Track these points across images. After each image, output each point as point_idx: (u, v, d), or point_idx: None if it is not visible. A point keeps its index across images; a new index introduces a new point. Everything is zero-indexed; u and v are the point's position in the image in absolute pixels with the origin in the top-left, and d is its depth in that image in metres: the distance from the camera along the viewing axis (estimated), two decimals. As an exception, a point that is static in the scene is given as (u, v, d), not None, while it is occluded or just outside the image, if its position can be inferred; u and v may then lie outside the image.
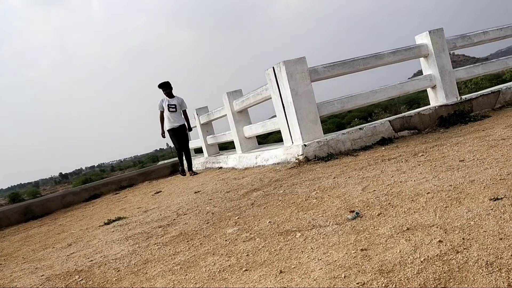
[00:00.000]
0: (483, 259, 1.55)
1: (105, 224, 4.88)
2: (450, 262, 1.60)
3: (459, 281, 1.45)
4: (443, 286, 1.44)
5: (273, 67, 5.52)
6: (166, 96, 8.09)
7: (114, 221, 4.92)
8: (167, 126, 8.14)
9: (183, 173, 8.60)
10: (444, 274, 1.52)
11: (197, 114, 9.60)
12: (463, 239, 1.78)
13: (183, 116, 8.21)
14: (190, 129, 8.50)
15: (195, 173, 8.31)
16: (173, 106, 8.09)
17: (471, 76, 6.86)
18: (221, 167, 8.01)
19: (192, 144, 10.91)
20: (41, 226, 6.80)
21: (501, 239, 1.68)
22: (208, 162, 9.00)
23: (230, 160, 7.64)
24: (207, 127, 9.67)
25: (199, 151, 11.49)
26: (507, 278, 1.38)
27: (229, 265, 2.24)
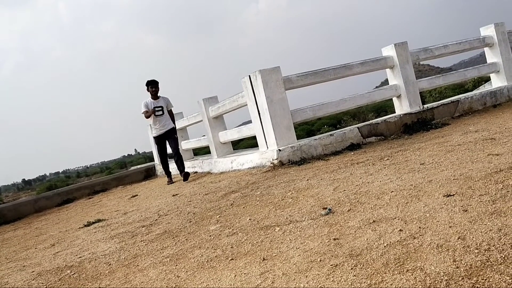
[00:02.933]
0: (435, 243, 1.86)
1: (85, 226, 5.00)
2: (408, 246, 1.90)
3: (414, 259, 1.75)
4: (401, 264, 1.74)
5: (249, 76, 5.80)
6: (152, 96, 7.20)
7: (94, 223, 5.04)
8: (153, 133, 7.42)
9: (170, 181, 7.59)
10: (403, 255, 1.82)
11: (172, 120, 9.75)
12: (420, 228, 2.09)
13: (170, 119, 7.35)
14: (176, 133, 7.57)
15: (188, 175, 7.19)
16: (160, 109, 7.19)
17: (433, 87, 7.34)
18: (196, 172, 8.20)
19: (167, 150, 11.03)
20: (16, 230, 6.80)
21: (450, 227, 2.00)
22: (183, 166, 9.15)
23: (205, 164, 7.84)
24: (182, 132, 9.83)
25: (171, 156, 11.61)
26: (452, 256, 1.69)
27: (215, 256, 2.49)
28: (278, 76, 5.69)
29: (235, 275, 2.09)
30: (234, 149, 8.16)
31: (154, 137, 7.47)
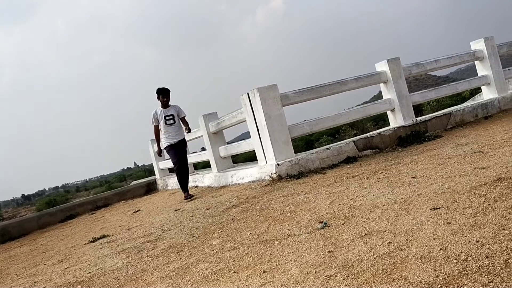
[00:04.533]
0: (419, 254, 2.04)
1: (91, 242, 5.16)
2: (395, 257, 2.08)
3: (400, 269, 1.93)
4: (388, 274, 1.92)
5: (248, 93, 6.01)
6: (162, 105, 6.83)
7: (99, 238, 5.21)
8: (164, 143, 6.92)
9: (188, 196, 6.79)
10: (390, 266, 1.99)
11: (172, 135, 9.94)
12: (407, 240, 2.27)
13: (182, 129, 6.96)
14: (190, 130, 7.07)
15: (190, 197, 6.70)
16: (171, 117, 6.80)
17: (426, 100, 7.57)
18: (197, 186, 8.37)
19: (167, 164, 11.21)
20: (21, 247, 6.95)
21: (434, 239, 2.18)
22: (184, 181, 9.32)
23: (206, 179, 8.02)
24: (182, 147, 10.01)
25: (173, 170, 11.79)
26: (434, 266, 1.87)
27: (219, 269, 2.66)
28: (276, 93, 5.90)
29: (238, 287, 2.26)
30: (233, 161, 8.36)
31: (165, 147, 6.96)
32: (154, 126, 6.93)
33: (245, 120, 6.42)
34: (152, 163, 12.63)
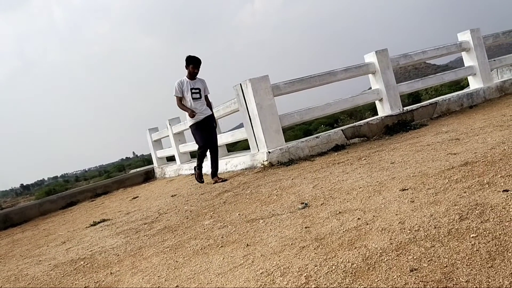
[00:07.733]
0: (381, 227, 2.33)
1: (91, 225, 5.45)
2: (361, 230, 2.37)
3: (363, 239, 2.22)
4: (352, 243, 2.20)
5: (240, 84, 6.26)
6: (189, 76, 6.01)
7: (99, 222, 5.49)
8: (189, 120, 6.19)
9: (200, 178, 6.39)
10: (355, 237, 2.28)
11: (169, 124, 10.21)
12: (374, 216, 2.56)
13: (206, 104, 6.16)
14: (215, 122, 6.48)
15: (223, 180, 5.96)
16: (197, 91, 6.02)
17: (412, 90, 7.83)
18: (193, 173, 8.64)
19: (165, 153, 11.49)
20: (24, 232, 7.24)
21: (396, 214, 2.47)
22: (181, 169, 9.61)
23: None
24: (179, 136, 10.28)
25: (170, 159, 12.07)
26: (390, 236, 2.16)
27: (208, 245, 2.95)
28: (267, 84, 6.16)
29: (223, 258, 2.56)
30: (232, 151, 8.60)
31: (190, 125, 6.27)
32: (177, 97, 6.03)
33: (238, 110, 6.68)
34: (150, 153, 12.90)
